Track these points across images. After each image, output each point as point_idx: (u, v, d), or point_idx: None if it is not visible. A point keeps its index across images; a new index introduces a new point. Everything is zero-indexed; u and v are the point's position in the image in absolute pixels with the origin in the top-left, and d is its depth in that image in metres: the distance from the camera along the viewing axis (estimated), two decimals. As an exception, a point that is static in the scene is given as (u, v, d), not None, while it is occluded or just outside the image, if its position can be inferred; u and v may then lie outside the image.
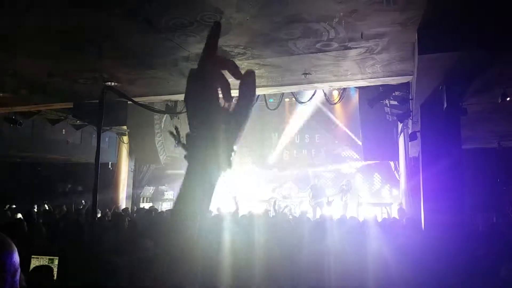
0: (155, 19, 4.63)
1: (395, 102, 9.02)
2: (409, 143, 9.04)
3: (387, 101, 9.66)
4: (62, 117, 10.75)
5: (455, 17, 4.50)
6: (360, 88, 10.10)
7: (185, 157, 0.76)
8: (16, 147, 11.84)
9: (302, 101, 12.45)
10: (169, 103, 10.21)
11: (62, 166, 15.00)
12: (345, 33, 4.99)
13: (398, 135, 11.38)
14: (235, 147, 0.77)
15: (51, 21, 4.73)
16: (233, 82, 0.81)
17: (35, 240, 4.97)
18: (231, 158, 0.76)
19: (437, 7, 4.30)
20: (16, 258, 1.18)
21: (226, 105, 0.77)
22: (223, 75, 0.77)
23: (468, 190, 6.45)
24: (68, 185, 14.82)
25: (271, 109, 12.84)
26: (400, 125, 10.59)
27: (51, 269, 3.39)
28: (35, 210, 9.84)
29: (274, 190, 15.10)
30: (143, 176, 15.38)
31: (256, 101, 12.48)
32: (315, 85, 7.62)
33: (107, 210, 10.36)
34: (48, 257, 3.77)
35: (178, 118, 10.49)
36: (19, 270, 1.19)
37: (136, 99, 7.75)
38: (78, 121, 10.74)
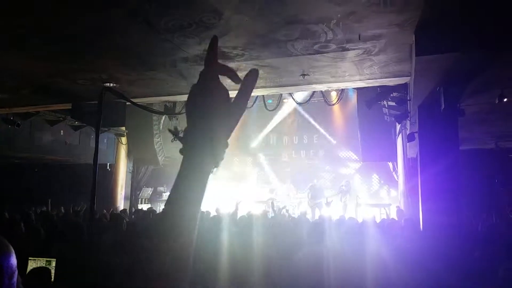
0: (154, 20, 4.64)
1: (393, 103, 9.04)
2: (407, 144, 9.07)
3: (385, 102, 9.68)
4: (61, 118, 10.74)
5: (452, 18, 4.52)
6: (358, 89, 10.13)
7: (181, 151, 0.80)
8: (14, 148, 11.81)
9: (301, 102, 12.47)
10: (167, 104, 10.21)
11: (60, 167, 14.98)
12: (343, 35, 5.00)
13: (396, 136, 11.40)
14: (228, 141, 0.82)
15: (50, 21, 4.73)
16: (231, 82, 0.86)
17: (33, 242, 4.96)
18: (223, 151, 0.81)
19: (434, 9, 4.32)
20: (14, 260, 1.18)
21: (225, 101, 0.82)
22: (221, 83, 0.82)
23: (466, 190, 6.48)
24: (66, 186, 14.79)
25: (269, 110, 12.87)
26: (398, 126, 10.62)
27: (49, 271, 3.38)
28: (33, 211, 9.81)
29: (272, 191, 15.10)
30: (142, 177, 15.37)
31: (255, 102, 12.50)
32: (313, 86, 7.63)
33: (105, 211, 10.34)
34: (45, 259, 3.76)
35: (177, 119, 10.50)
36: (16, 272, 1.19)
37: (134, 100, 7.74)
38: (76, 122, 10.73)
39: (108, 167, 14.08)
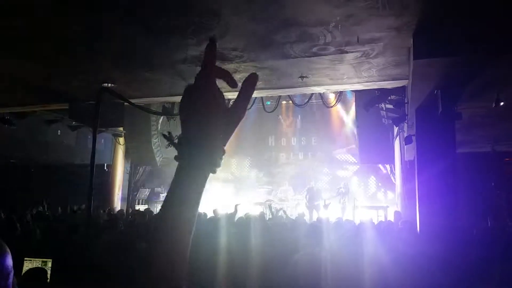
0: (152, 21, 4.64)
1: (391, 106, 9.07)
2: (405, 146, 9.09)
3: (383, 105, 9.70)
4: (58, 118, 10.71)
5: (450, 22, 4.54)
6: (356, 91, 10.15)
7: (176, 157, 0.77)
8: (10, 148, 11.77)
9: (299, 104, 12.49)
10: (166, 105, 10.19)
11: (57, 167, 14.93)
12: (341, 37, 5.02)
13: (394, 139, 11.42)
14: (224, 148, 0.80)
15: (48, 22, 4.72)
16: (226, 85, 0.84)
17: (29, 242, 4.94)
18: (220, 158, 0.79)
19: (432, 13, 4.34)
20: (9, 260, 1.17)
21: (221, 106, 0.79)
22: (218, 88, 0.80)
23: (463, 193, 6.49)
24: (63, 187, 14.74)
25: (268, 112, 12.87)
26: (395, 129, 10.64)
27: (45, 272, 3.36)
28: (29, 211, 9.77)
29: (270, 193, 15.10)
30: (139, 178, 15.34)
31: (253, 104, 12.50)
32: (312, 88, 7.64)
33: (102, 211, 10.31)
34: (41, 259, 3.74)
35: (175, 120, 10.49)
36: (12, 273, 1.18)
37: (132, 101, 7.70)
38: (74, 122, 10.70)
39: (105, 168, 14.04)
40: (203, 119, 0.77)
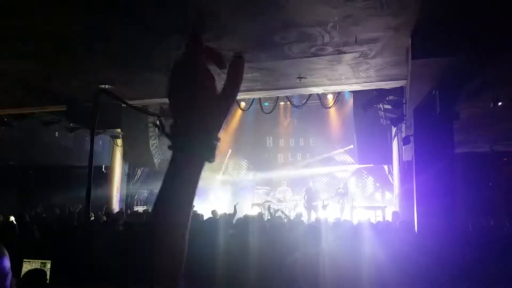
0: (150, 22, 4.64)
1: (389, 106, 9.08)
2: (403, 147, 9.10)
3: (381, 105, 9.72)
4: (56, 120, 10.68)
5: (448, 22, 4.55)
6: (354, 92, 10.16)
7: (169, 147, 0.74)
8: (8, 149, 11.74)
9: (297, 104, 12.50)
10: (164, 106, 10.19)
11: (55, 169, 14.90)
12: (339, 38, 5.03)
13: (392, 139, 11.44)
14: (219, 135, 0.76)
15: (47, 22, 4.72)
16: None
17: (27, 244, 4.93)
18: (215, 146, 0.75)
19: (430, 13, 4.35)
20: (7, 262, 1.16)
21: (212, 91, 0.76)
22: (207, 68, 0.76)
23: (460, 193, 6.51)
24: (61, 188, 14.72)
25: (266, 113, 12.87)
26: (394, 129, 10.65)
27: (44, 273, 3.35)
28: (27, 213, 9.75)
29: (268, 194, 15.09)
30: (137, 179, 15.31)
31: (251, 105, 12.51)
32: (310, 89, 7.65)
33: (100, 213, 10.29)
34: (40, 260, 3.73)
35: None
36: (10, 274, 1.18)
37: (130, 102, 7.72)
38: (71, 124, 10.68)
39: (103, 169, 14.01)
40: (195, 105, 0.73)
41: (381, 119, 11.07)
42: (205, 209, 9.49)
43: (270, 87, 7.43)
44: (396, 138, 10.72)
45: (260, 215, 9.39)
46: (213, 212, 8.46)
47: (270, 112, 12.98)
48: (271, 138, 16.94)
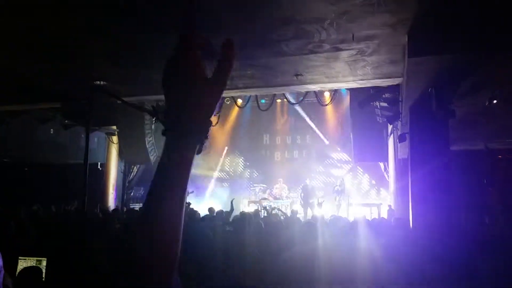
0: (145, 18, 4.61)
1: (385, 104, 9.10)
2: (399, 144, 9.13)
3: (377, 103, 9.74)
4: (51, 117, 10.63)
5: (444, 20, 4.56)
6: (351, 90, 10.18)
7: (163, 132, 0.76)
8: (3, 146, 11.67)
9: (294, 102, 12.50)
10: (160, 103, 10.15)
11: (51, 166, 14.83)
12: (336, 35, 5.03)
13: (388, 137, 11.47)
14: (211, 119, 0.78)
15: (41, 18, 4.69)
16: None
17: (23, 241, 4.91)
18: (207, 128, 0.77)
19: (427, 11, 4.36)
20: None
21: (203, 76, 0.78)
22: (199, 57, 0.79)
23: (455, 191, 6.54)
24: (57, 186, 14.66)
25: (263, 110, 12.87)
26: (390, 127, 10.69)
27: (40, 271, 3.34)
28: (23, 210, 9.70)
29: (265, 191, 15.12)
30: (133, 177, 15.27)
31: (248, 102, 12.50)
32: (307, 86, 7.65)
33: (96, 210, 10.26)
34: (36, 258, 3.72)
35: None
36: (2, 272, 1.17)
37: (126, 99, 7.69)
38: (67, 121, 10.63)
39: (99, 167, 13.95)
40: (186, 92, 0.76)
41: (377, 117, 11.10)
42: (201, 207, 9.50)
43: (267, 84, 7.43)
44: (392, 136, 10.76)
45: (257, 212, 9.41)
46: (210, 209, 8.46)
47: (267, 109, 12.99)
48: (268, 136, 16.94)
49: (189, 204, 8.14)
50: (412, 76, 5.51)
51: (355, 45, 5.35)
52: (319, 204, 12.68)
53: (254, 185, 16.01)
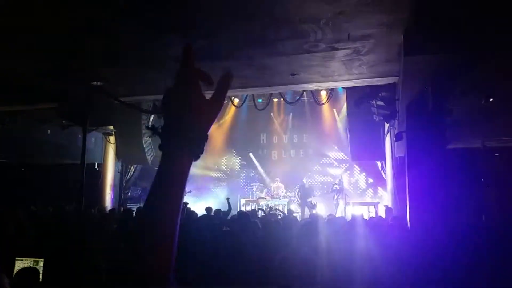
0: (143, 19, 4.61)
1: (382, 103, 9.12)
2: (395, 143, 9.15)
3: (374, 102, 9.75)
4: (48, 117, 10.59)
5: (440, 19, 4.58)
6: (347, 88, 10.19)
7: (160, 146, 0.80)
8: (0, 147, 11.62)
9: (291, 101, 12.51)
10: (156, 103, 10.14)
11: (48, 167, 14.79)
12: (332, 34, 5.04)
13: (385, 135, 11.50)
14: (207, 134, 0.83)
15: (38, 18, 4.67)
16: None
17: (20, 242, 4.89)
18: (204, 143, 0.82)
19: (423, 10, 4.37)
20: None
21: (201, 95, 0.83)
22: (198, 83, 0.83)
23: (452, 189, 6.56)
24: (54, 186, 14.62)
25: (259, 109, 12.88)
26: (386, 125, 10.71)
27: (37, 271, 3.33)
28: (20, 211, 9.67)
29: (262, 190, 15.13)
30: (130, 177, 15.24)
31: (245, 101, 12.50)
32: (303, 85, 7.66)
33: (93, 210, 10.23)
34: (33, 259, 3.71)
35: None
36: None
37: (123, 99, 7.68)
38: (64, 121, 10.60)
39: (96, 167, 13.92)
40: (185, 107, 0.80)
41: (374, 116, 11.11)
42: (199, 206, 9.50)
43: (263, 84, 7.43)
44: (388, 134, 10.78)
45: (254, 211, 9.42)
46: (207, 209, 8.45)
47: (264, 108, 12.99)
48: (264, 135, 16.94)
49: (186, 204, 8.13)
50: (408, 75, 5.53)
51: (351, 44, 5.36)
52: (313, 206, 12.74)
53: (251, 184, 16.02)
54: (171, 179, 0.78)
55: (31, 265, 3.59)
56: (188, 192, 12.29)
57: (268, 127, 16.69)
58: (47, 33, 5.06)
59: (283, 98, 12.87)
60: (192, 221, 6.42)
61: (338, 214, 11.85)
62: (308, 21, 4.66)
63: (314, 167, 15.92)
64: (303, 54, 5.76)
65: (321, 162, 15.97)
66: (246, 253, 4.31)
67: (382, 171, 13.32)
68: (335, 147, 15.80)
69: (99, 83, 7.14)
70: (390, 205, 11.11)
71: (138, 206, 13.31)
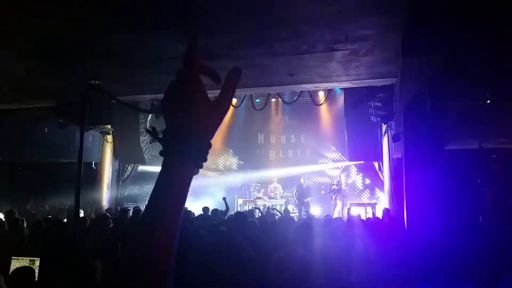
0: (140, 17, 4.60)
1: (379, 104, 9.13)
2: (393, 144, 9.17)
3: (371, 103, 9.77)
4: (45, 116, 10.56)
5: (438, 21, 4.58)
6: (345, 89, 10.20)
7: (161, 152, 0.76)
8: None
9: (288, 101, 12.51)
10: (154, 102, 10.13)
11: (44, 165, 14.74)
12: (330, 35, 5.04)
13: (382, 136, 11.52)
14: (211, 142, 0.78)
15: (35, 18, 4.65)
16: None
17: (16, 241, 4.88)
18: (207, 152, 0.77)
19: (421, 12, 4.38)
20: None
21: (205, 99, 0.78)
22: (202, 84, 0.78)
23: (449, 190, 6.58)
24: (50, 185, 14.58)
25: (257, 109, 12.87)
26: (384, 126, 10.73)
27: (33, 271, 3.32)
28: (16, 209, 9.64)
29: (259, 191, 15.12)
30: (128, 176, 15.21)
31: (243, 101, 12.49)
32: (301, 85, 7.67)
33: (90, 210, 10.22)
34: (29, 258, 3.69)
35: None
36: None
37: (120, 98, 7.66)
38: (61, 120, 10.57)
39: (93, 166, 13.89)
40: (188, 112, 0.76)
41: (372, 117, 11.13)
42: (196, 206, 9.48)
43: (261, 84, 7.43)
44: (386, 135, 10.80)
45: (252, 212, 9.41)
46: (204, 209, 8.44)
47: (262, 108, 13.00)
48: (262, 135, 16.93)
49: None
50: (406, 76, 5.54)
51: (349, 45, 5.37)
52: (310, 206, 12.76)
53: (249, 184, 16.02)
54: (171, 185, 0.75)
55: (27, 265, 3.58)
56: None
57: (266, 127, 16.69)
58: (43, 32, 5.04)
59: (281, 99, 12.88)
60: (189, 221, 6.41)
61: (336, 215, 11.87)
62: (307, 21, 4.66)
63: (311, 167, 15.92)
64: (301, 55, 5.77)
65: (318, 162, 15.98)
66: (243, 253, 4.30)
67: (379, 172, 13.33)
68: (333, 148, 15.80)
69: (97, 81, 7.12)
70: (387, 205, 11.13)
71: (135, 205, 13.28)
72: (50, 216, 8.27)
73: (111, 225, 6.14)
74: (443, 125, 6.31)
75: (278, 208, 12.16)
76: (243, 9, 4.35)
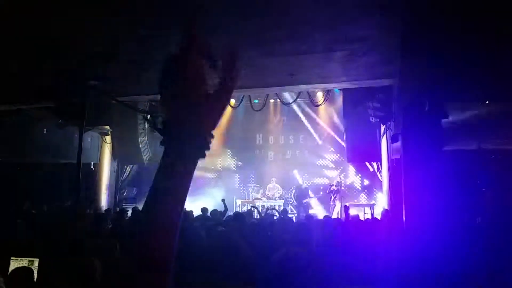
0: (140, 17, 4.60)
1: (378, 105, 9.14)
2: (391, 145, 9.18)
3: (370, 103, 9.77)
4: (44, 116, 10.54)
5: (438, 21, 4.60)
6: (344, 90, 10.21)
7: (161, 142, 0.74)
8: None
9: (287, 102, 12.52)
10: (153, 103, 10.12)
11: (43, 166, 14.72)
12: (329, 36, 5.05)
13: (381, 137, 11.53)
14: (213, 132, 0.76)
15: (34, 17, 4.65)
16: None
17: (15, 241, 4.87)
18: (208, 143, 0.75)
19: (421, 12, 4.39)
20: None
21: (206, 89, 0.76)
22: (201, 67, 0.76)
23: (448, 191, 6.59)
24: (49, 185, 14.55)
25: (256, 110, 12.88)
26: (383, 127, 10.74)
27: (31, 271, 3.32)
28: (15, 210, 9.62)
29: (258, 191, 15.13)
30: (127, 176, 15.20)
31: (241, 102, 12.50)
32: (300, 86, 7.67)
33: (89, 210, 10.20)
34: (28, 258, 3.69)
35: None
36: None
37: (119, 99, 7.66)
38: (60, 120, 10.56)
39: (92, 166, 13.88)
40: (188, 103, 0.74)
41: (370, 117, 11.14)
42: (194, 207, 9.48)
43: (260, 84, 7.43)
44: (384, 136, 10.80)
45: (250, 212, 9.41)
46: (203, 209, 8.44)
47: (260, 109, 13.00)
48: (261, 136, 16.93)
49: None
50: (405, 76, 5.55)
51: (348, 46, 5.38)
52: (309, 207, 12.79)
53: (247, 185, 16.02)
54: (172, 178, 0.73)
55: (26, 265, 3.57)
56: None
57: (265, 127, 16.69)
58: (42, 31, 5.04)
59: (280, 99, 12.89)
60: (187, 222, 6.41)
61: (334, 216, 11.87)
62: (307, 22, 4.66)
63: (310, 168, 15.93)
64: (301, 55, 5.77)
65: (317, 163, 15.99)
66: (242, 254, 4.30)
67: (378, 173, 13.35)
68: (331, 149, 15.81)
69: (95, 82, 7.11)
70: (386, 206, 11.14)
71: (133, 206, 13.27)
72: (49, 217, 8.26)
73: (110, 225, 6.13)
74: (442, 126, 6.32)
75: (276, 207, 12.16)
76: (243, 9, 4.35)
